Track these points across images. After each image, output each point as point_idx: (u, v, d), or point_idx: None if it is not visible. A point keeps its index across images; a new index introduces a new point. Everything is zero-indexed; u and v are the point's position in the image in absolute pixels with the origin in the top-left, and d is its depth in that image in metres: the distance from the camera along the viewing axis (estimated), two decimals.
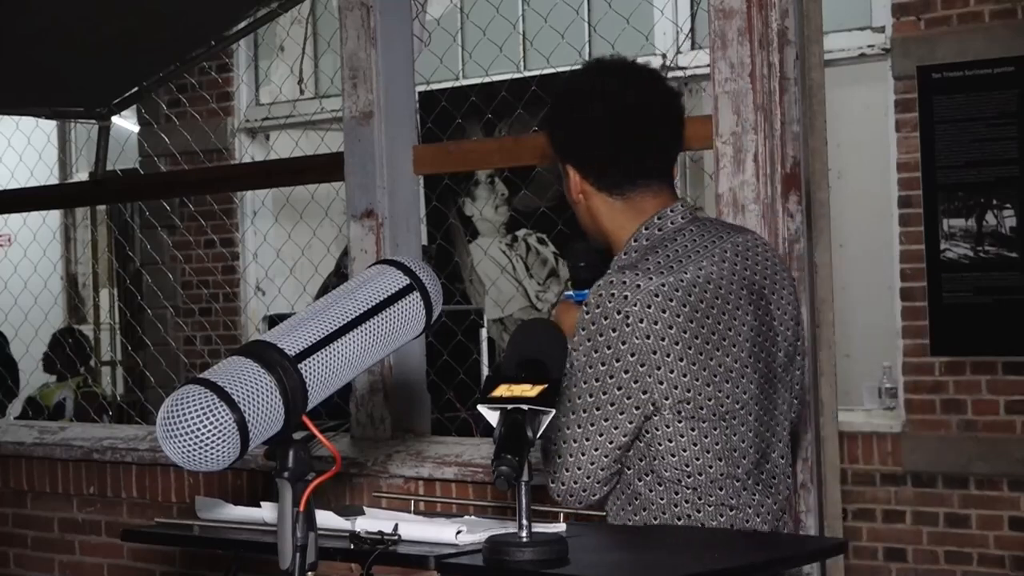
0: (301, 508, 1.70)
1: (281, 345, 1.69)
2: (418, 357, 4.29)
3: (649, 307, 2.40)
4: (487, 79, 6.89)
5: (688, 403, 2.42)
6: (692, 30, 6.89)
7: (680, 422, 2.42)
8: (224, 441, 1.61)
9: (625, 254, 2.54)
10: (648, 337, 2.39)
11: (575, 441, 2.42)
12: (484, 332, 6.09)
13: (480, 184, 7.62)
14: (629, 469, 2.48)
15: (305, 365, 1.70)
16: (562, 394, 2.17)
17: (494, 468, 1.84)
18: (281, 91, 8.11)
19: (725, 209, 3.37)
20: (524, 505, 1.89)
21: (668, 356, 2.40)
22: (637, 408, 2.41)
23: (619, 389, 2.39)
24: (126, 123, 8.55)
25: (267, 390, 1.65)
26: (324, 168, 4.74)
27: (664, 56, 6.85)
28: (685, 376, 2.41)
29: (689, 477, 2.44)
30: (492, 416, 1.90)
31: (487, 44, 6.31)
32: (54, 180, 9.42)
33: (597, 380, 2.40)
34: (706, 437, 2.43)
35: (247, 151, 8.50)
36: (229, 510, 2.22)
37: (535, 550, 1.87)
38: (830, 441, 3.40)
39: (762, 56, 3.34)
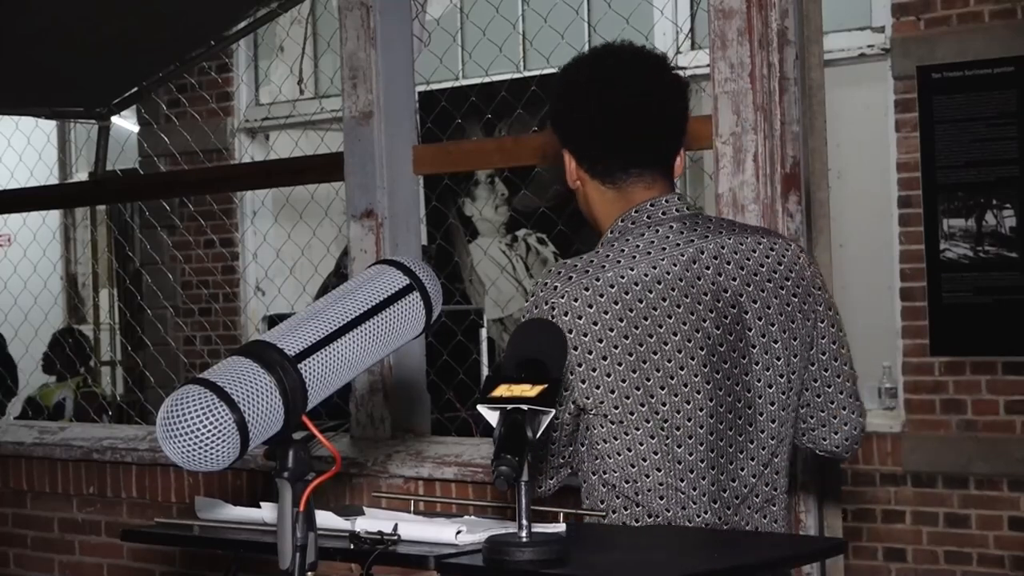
0: (301, 508, 1.69)
1: (281, 345, 1.69)
2: (418, 357, 4.29)
3: (576, 300, 2.34)
4: (487, 79, 6.89)
5: (616, 407, 2.34)
6: (692, 30, 6.89)
7: (612, 424, 2.35)
8: (224, 441, 1.61)
9: (601, 244, 2.48)
10: (570, 332, 2.32)
11: None
12: (484, 332, 6.09)
13: (480, 184, 7.62)
14: (575, 469, 2.45)
15: (305, 365, 1.69)
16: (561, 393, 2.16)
17: (494, 468, 1.83)
18: (281, 91, 8.11)
19: (725, 209, 3.37)
20: (524, 505, 1.89)
21: (590, 354, 2.33)
22: (560, 405, 2.34)
23: None
24: (126, 123, 8.55)
25: (267, 390, 1.65)
26: (324, 168, 4.74)
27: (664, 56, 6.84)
28: (609, 376, 2.33)
29: (627, 483, 2.38)
30: (492, 416, 1.90)
31: (487, 44, 6.32)
32: (54, 180, 9.42)
33: None
34: (641, 444, 2.35)
35: (247, 151, 8.50)
36: (229, 510, 2.21)
37: (535, 550, 1.87)
38: None
39: (762, 56, 3.34)
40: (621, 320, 2.34)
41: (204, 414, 1.60)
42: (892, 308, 6.29)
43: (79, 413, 8.42)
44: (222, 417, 1.61)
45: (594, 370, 2.34)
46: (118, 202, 8.14)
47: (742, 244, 2.46)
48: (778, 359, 2.44)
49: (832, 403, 2.54)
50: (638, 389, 2.34)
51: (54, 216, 9.26)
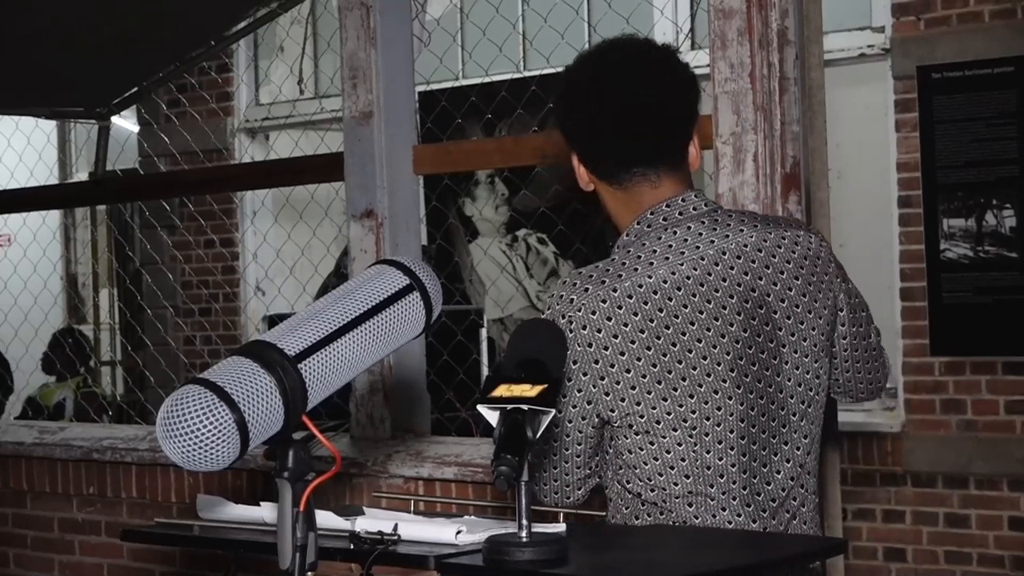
0: (301, 508, 1.70)
1: (281, 345, 1.69)
2: (418, 357, 4.29)
3: (593, 313, 2.30)
4: (487, 79, 6.89)
5: (641, 416, 2.30)
6: (692, 30, 6.88)
7: (637, 435, 2.32)
8: (224, 441, 1.61)
9: (616, 248, 2.43)
10: (590, 346, 2.29)
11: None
12: (484, 332, 6.08)
13: (480, 184, 7.62)
14: (601, 476, 2.43)
15: (305, 365, 1.69)
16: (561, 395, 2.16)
17: (494, 468, 1.83)
18: (281, 91, 8.11)
19: None
20: (524, 505, 1.88)
21: (612, 367, 2.29)
22: (584, 418, 2.33)
23: (563, 397, 2.31)
24: (126, 123, 8.55)
25: (267, 390, 1.65)
26: (324, 168, 4.75)
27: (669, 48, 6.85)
28: (634, 388, 2.29)
29: (653, 492, 2.34)
30: (492, 416, 1.90)
31: (487, 44, 6.32)
32: (54, 180, 9.43)
33: None
34: (668, 452, 2.31)
35: (247, 151, 8.50)
36: (231, 508, 2.21)
37: (535, 550, 1.87)
38: (830, 441, 3.40)
39: (762, 56, 3.34)
40: (642, 331, 2.29)
41: (204, 414, 1.60)
42: (892, 308, 6.29)
43: (79, 413, 8.42)
44: (222, 417, 1.61)
45: (618, 383, 2.30)
46: (118, 202, 8.15)
47: (766, 240, 2.40)
48: (807, 357, 2.40)
49: (858, 365, 2.55)
50: (665, 400, 2.30)
51: (54, 216, 9.26)
